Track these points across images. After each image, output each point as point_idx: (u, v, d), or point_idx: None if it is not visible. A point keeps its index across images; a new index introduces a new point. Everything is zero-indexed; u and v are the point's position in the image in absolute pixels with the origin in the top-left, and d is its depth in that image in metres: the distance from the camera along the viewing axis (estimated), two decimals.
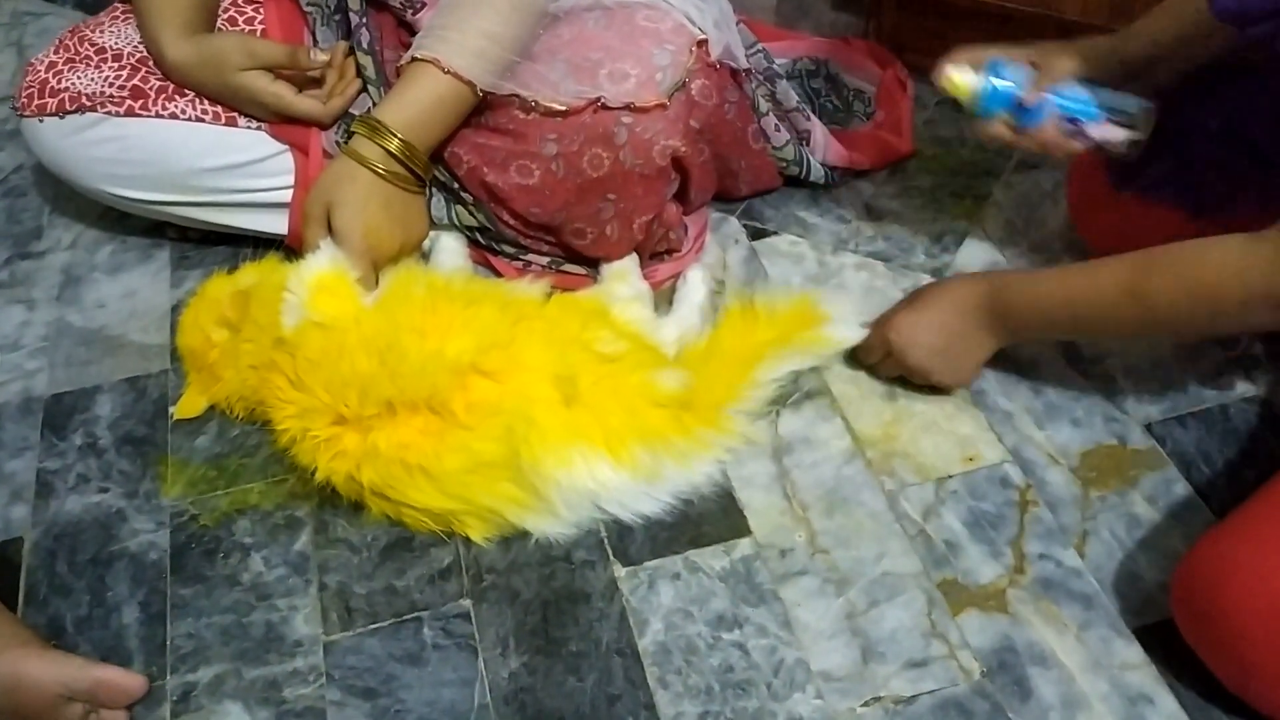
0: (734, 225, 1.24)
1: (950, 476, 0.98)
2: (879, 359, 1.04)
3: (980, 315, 0.96)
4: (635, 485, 0.93)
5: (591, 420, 0.92)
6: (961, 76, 0.99)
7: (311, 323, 0.94)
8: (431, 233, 1.13)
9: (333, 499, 0.96)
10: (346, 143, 1.02)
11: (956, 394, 1.04)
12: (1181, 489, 0.95)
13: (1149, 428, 1.00)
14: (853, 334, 1.05)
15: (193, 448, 1.04)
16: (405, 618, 0.91)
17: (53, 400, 1.09)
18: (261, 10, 1.17)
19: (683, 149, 1.04)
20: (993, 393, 1.04)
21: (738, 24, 1.15)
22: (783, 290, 1.12)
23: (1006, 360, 1.06)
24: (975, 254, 1.18)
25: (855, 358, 1.06)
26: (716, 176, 1.17)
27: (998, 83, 0.97)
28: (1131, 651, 0.85)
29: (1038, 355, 1.06)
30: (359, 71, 1.12)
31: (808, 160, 1.23)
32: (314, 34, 1.16)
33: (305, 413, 0.93)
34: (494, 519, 0.93)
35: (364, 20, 1.12)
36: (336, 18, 1.15)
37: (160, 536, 0.97)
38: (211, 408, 1.06)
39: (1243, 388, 1.02)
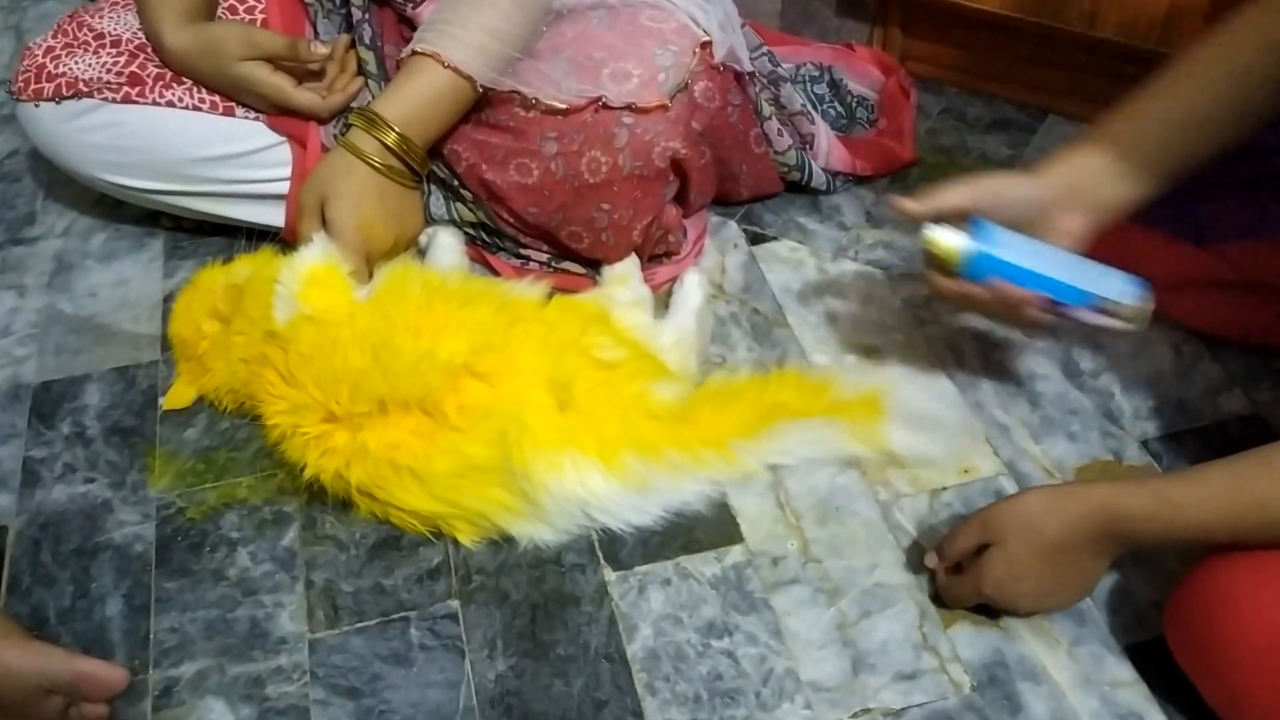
0: (733, 229, 1.23)
1: (945, 488, 0.97)
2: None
3: (1092, 543, 0.80)
4: (626, 495, 0.91)
5: (585, 427, 0.90)
6: (945, 240, 0.90)
7: (304, 317, 0.93)
8: (429, 228, 1.12)
9: (321, 495, 0.95)
10: (343, 135, 1.01)
11: (955, 406, 1.03)
12: None
13: (1145, 444, 0.99)
14: (911, 445, 0.97)
15: (181, 440, 1.03)
16: (392, 617, 0.90)
17: (41, 388, 1.08)
18: (263, 0, 1.16)
19: (683, 151, 1.04)
20: (990, 405, 1.03)
21: (743, 27, 1.15)
22: (855, 375, 1.03)
23: (1004, 373, 1.06)
24: None
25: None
26: (717, 179, 1.16)
27: (987, 249, 0.88)
28: (1122, 669, 0.85)
29: (1035, 368, 1.06)
30: (360, 66, 1.11)
31: (810, 165, 1.22)
32: (315, 26, 1.15)
33: (296, 408, 0.92)
34: (482, 523, 0.92)
35: (366, 15, 1.11)
36: (340, 11, 1.15)
37: (146, 529, 0.96)
38: (201, 400, 1.05)
39: (1239, 405, 1.02)
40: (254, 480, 1.00)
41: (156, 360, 1.10)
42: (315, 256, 0.96)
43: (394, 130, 0.99)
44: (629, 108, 1.00)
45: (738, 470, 0.96)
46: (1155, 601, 0.88)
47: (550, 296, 1.01)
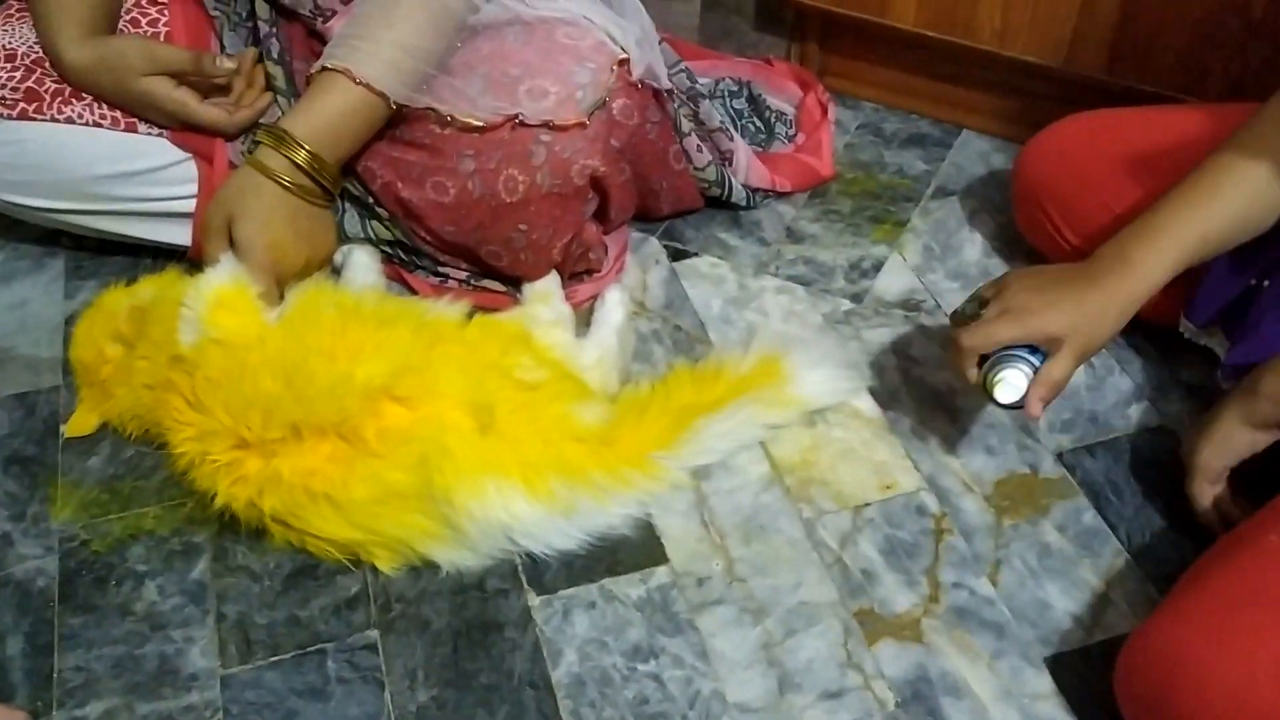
0: (654, 246, 1.23)
1: (868, 504, 0.97)
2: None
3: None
4: (550, 519, 0.90)
5: (507, 450, 0.89)
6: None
7: (211, 340, 0.90)
8: (344, 247, 1.10)
9: (233, 525, 0.92)
10: (250, 152, 0.98)
11: (874, 421, 1.04)
12: (1090, 518, 0.96)
13: (1060, 456, 1.01)
14: (820, 393, 1.01)
15: (84, 469, 0.99)
16: (308, 649, 0.87)
17: None
18: (166, 13, 1.12)
19: (602, 169, 1.03)
20: (910, 420, 1.04)
21: (660, 43, 1.14)
22: (744, 348, 1.04)
23: (923, 388, 1.07)
24: (894, 280, 1.18)
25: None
26: (637, 196, 1.16)
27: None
28: (1041, 681, 0.86)
29: (953, 383, 1.07)
30: (268, 82, 1.08)
31: (730, 181, 1.22)
32: (221, 40, 1.12)
33: (204, 435, 0.89)
34: (402, 550, 0.90)
35: (274, 29, 1.09)
36: (247, 24, 1.12)
37: (48, 562, 0.92)
38: (105, 427, 1.01)
39: (1149, 418, 1.04)
40: (161, 510, 0.96)
41: (58, 385, 1.06)
42: (223, 278, 0.93)
43: (304, 148, 0.96)
44: (546, 125, 0.99)
45: (664, 483, 0.95)
46: (1072, 613, 0.89)
47: (470, 316, 1.00)
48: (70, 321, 1.12)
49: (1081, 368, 1.05)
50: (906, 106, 1.41)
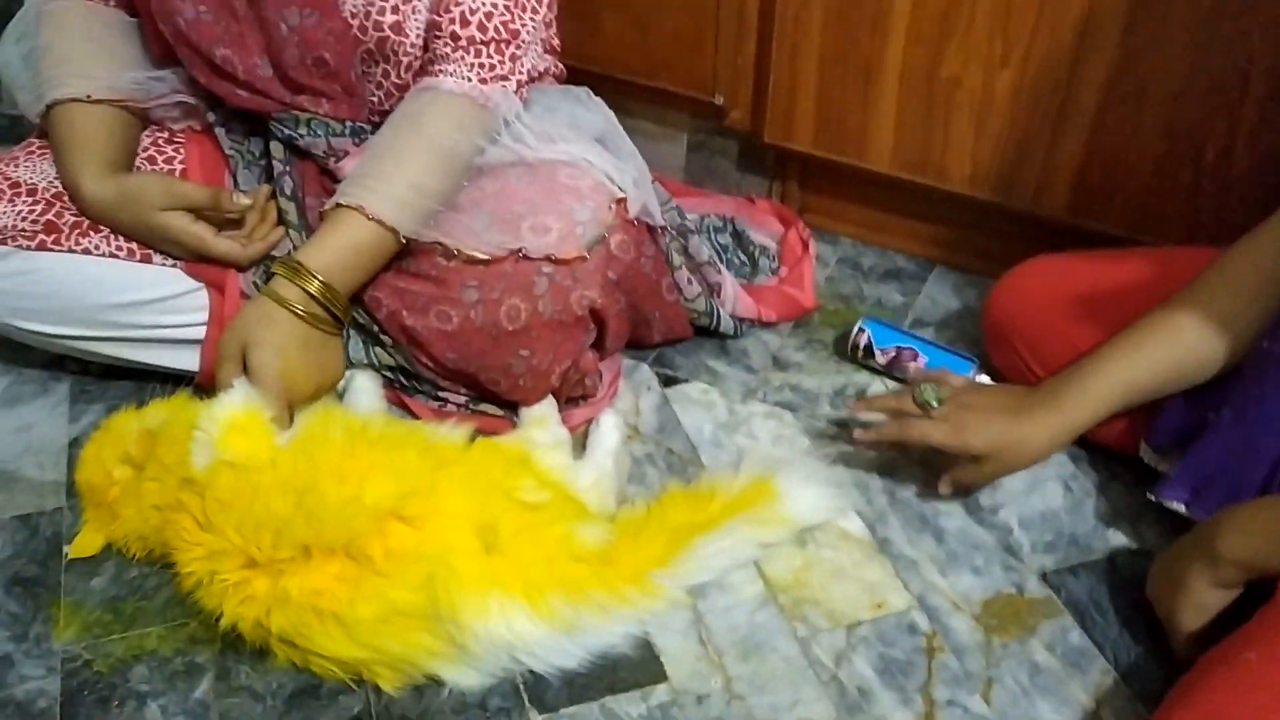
0: (646, 372, 1.27)
1: (860, 623, 1.00)
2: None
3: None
4: (552, 638, 0.92)
5: (511, 570, 0.91)
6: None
7: (223, 462, 0.93)
8: (347, 372, 1.13)
9: (236, 644, 0.93)
10: (266, 283, 1.03)
11: (863, 542, 1.07)
12: (1077, 637, 0.99)
13: (1044, 577, 1.04)
14: (810, 511, 1.05)
15: (88, 589, 1.00)
16: None
17: None
18: (182, 150, 1.18)
19: (600, 300, 1.08)
20: (898, 540, 1.07)
21: (652, 181, 1.21)
22: (737, 470, 1.09)
23: (909, 509, 1.10)
24: None
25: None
26: (631, 325, 1.21)
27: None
28: None
29: (939, 504, 1.11)
30: (280, 216, 1.13)
31: (718, 312, 1.27)
32: (235, 176, 1.18)
33: (214, 555, 0.90)
34: (406, 668, 0.91)
35: (288, 167, 1.14)
36: (260, 163, 1.17)
37: (50, 683, 0.92)
38: (108, 548, 1.02)
39: (1127, 540, 1.08)
40: (164, 630, 0.97)
41: (61, 507, 1.08)
42: (236, 402, 0.96)
43: (317, 279, 1.00)
44: (548, 258, 1.04)
45: (662, 602, 0.97)
46: None
47: (473, 439, 1.03)
48: (75, 445, 1.14)
49: (1061, 491, 1.11)
50: (882, 242, 1.48)
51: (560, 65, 1.23)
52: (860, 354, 1.27)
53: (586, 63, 1.39)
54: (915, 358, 1.23)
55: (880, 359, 1.25)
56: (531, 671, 0.93)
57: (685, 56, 1.40)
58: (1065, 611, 1.01)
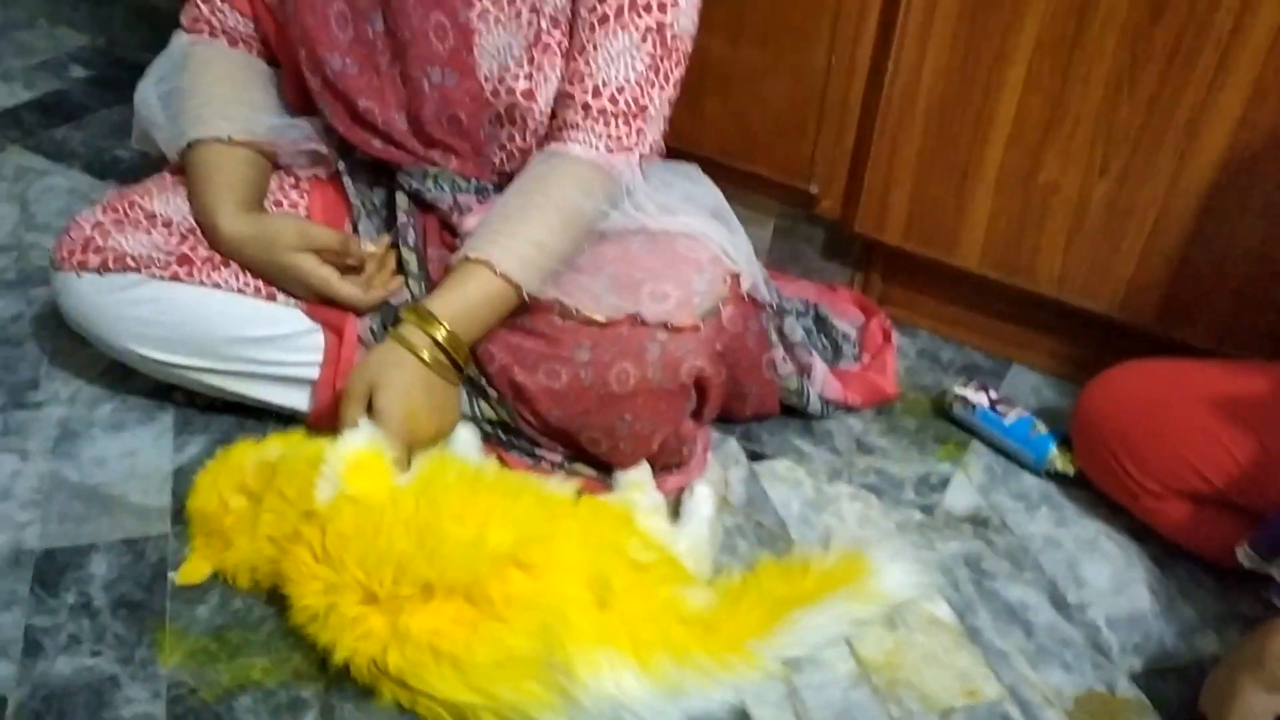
0: (733, 446, 1.29)
1: (954, 710, 1.00)
2: None
3: None
4: (656, 698, 0.92)
5: (622, 626, 0.92)
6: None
7: (346, 497, 0.95)
8: None
9: (341, 681, 0.94)
10: (394, 327, 1.05)
11: (953, 628, 1.08)
12: None
13: (1134, 678, 1.05)
14: (902, 586, 1.06)
15: (193, 616, 1.01)
16: None
17: (44, 555, 1.06)
18: (305, 196, 1.23)
19: (708, 370, 1.11)
20: (987, 630, 1.08)
21: None
22: (827, 546, 1.13)
23: (996, 599, 1.11)
24: (961, 496, 1.24)
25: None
26: (726, 398, 1.23)
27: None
28: None
29: (1025, 598, 1.12)
30: (401, 266, 1.17)
31: (808, 392, 1.30)
32: (355, 225, 1.22)
33: (332, 588, 0.92)
34: (513, 716, 0.91)
35: (411, 219, 1.18)
36: (381, 213, 1.22)
37: (156, 708, 0.93)
38: (213, 577, 1.03)
39: (1214, 646, 1.09)
40: (269, 663, 0.98)
41: (166, 534, 1.09)
42: (361, 441, 0.98)
43: (445, 327, 1.03)
44: (663, 325, 1.07)
45: (759, 672, 0.97)
46: None
47: (579, 495, 1.05)
48: (179, 473, 1.16)
49: (1148, 594, 1.12)
50: (960, 338, 1.51)
51: (662, 145, 1.28)
52: (956, 401, 1.33)
53: (683, 142, 1.43)
54: (1012, 407, 1.30)
55: (978, 398, 1.32)
56: None
57: (783, 144, 1.45)
58: (1156, 714, 1.01)
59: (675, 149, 1.32)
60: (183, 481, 1.12)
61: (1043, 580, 1.14)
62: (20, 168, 1.71)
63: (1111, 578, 1.15)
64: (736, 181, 1.52)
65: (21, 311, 1.39)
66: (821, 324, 1.46)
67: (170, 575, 1.04)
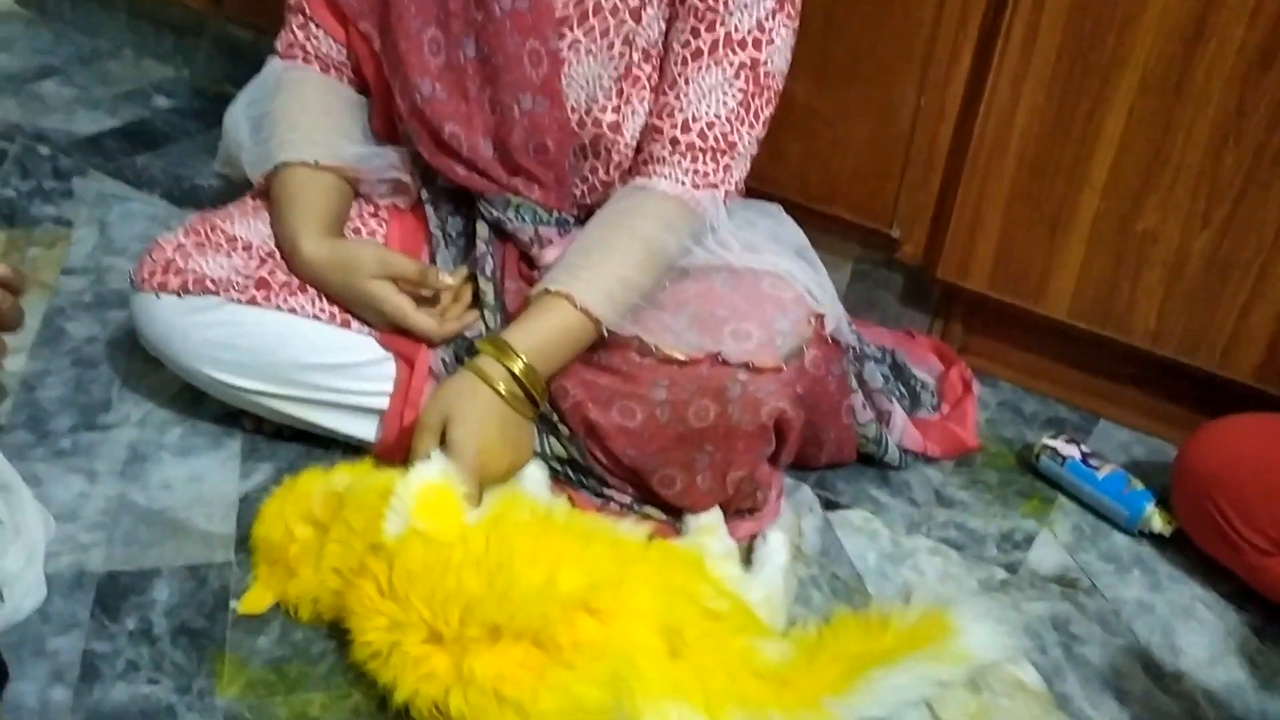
0: (808, 494, 1.25)
1: None
2: None
3: None
4: None
5: (693, 678, 0.88)
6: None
7: (415, 532, 0.92)
8: None
9: None
10: (469, 359, 1.03)
11: (1040, 695, 1.02)
12: None
13: None
14: (987, 647, 1.00)
15: (253, 647, 0.99)
16: None
17: (107, 579, 1.04)
18: (384, 224, 1.22)
19: (789, 412, 1.07)
20: (1077, 698, 1.02)
21: None
22: (907, 601, 1.09)
23: (1087, 666, 1.06)
24: (1047, 554, 1.19)
25: None
26: (803, 442, 1.19)
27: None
28: None
29: (1119, 665, 1.06)
30: (478, 297, 1.15)
31: (887, 440, 1.26)
32: (433, 256, 1.20)
33: (396, 625, 0.89)
34: None
35: (489, 249, 1.17)
36: (459, 242, 1.20)
37: None
38: (275, 608, 1.01)
39: None
40: (328, 699, 0.95)
41: (229, 561, 1.08)
42: (433, 474, 0.95)
43: (522, 359, 1.01)
44: (745, 365, 1.04)
45: None
46: None
47: (650, 539, 1.01)
48: (245, 501, 1.14)
49: (1247, 665, 1.05)
50: (1044, 390, 1.46)
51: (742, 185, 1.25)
52: (1045, 452, 1.28)
53: (761, 182, 1.40)
54: (1105, 462, 1.25)
55: (1069, 450, 1.27)
56: None
57: (866, 187, 1.41)
58: None
59: (753, 189, 1.29)
60: (248, 509, 1.11)
61: (1136, 647, 1.08)
62: (101, 193, 1.73)
63: (1209, 646, 1.08)
64: (814, 224, 1.48)
65: (97, 334, 1.39)
66: (899, 371, 1.42)
67: (232, 604, 1.02)
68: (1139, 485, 1.21)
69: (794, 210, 1.31)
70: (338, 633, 0.97)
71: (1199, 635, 1.10)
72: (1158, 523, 1.18)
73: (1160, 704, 1.03)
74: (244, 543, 1.07)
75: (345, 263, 1.09)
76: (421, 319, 1.11)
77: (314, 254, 1.10)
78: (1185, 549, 1.18)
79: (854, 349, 1.22)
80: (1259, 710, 1.03)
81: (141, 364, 1.30)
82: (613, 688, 0.86)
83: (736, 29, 1.08)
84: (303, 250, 1.10)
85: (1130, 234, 1.25)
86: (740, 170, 1.13)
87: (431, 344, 1.13)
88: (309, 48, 1.22)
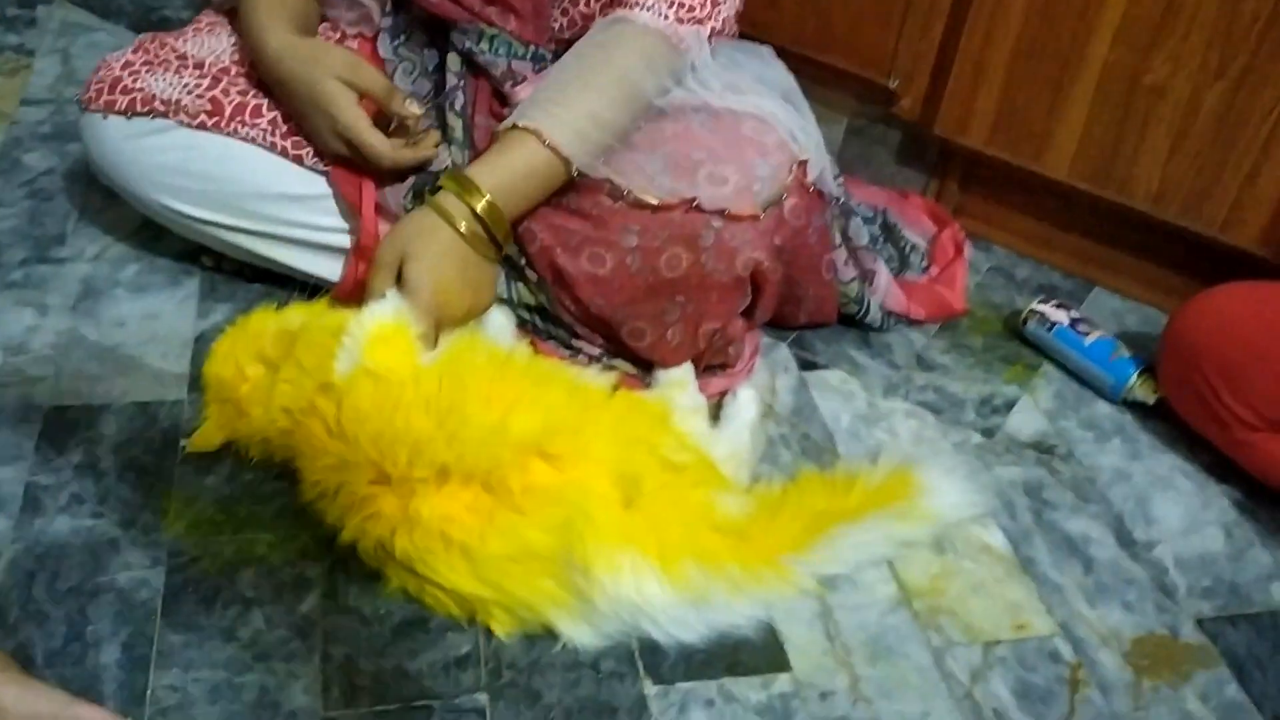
0: (784, 353, 1.21)
1: (999, 642, 0.93)
2: None
3: None
4: (679, 608, 0.86)
5: (648, 529, 0.86)
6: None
7: (365, 371, 0.88)
8: None
9: (348, 564, 0.89)
10: (431, 195, 0.98)
11: (1005, 558, 1.00)
12: (1234, 691, 0.91)
13: (1200, 623, 0.97)
14: (954, 506, 0.99)
15: (201, 485, 0.97)
16: (414, 704, 0.83)
17: (54, 412, 1.02)
18: (356, 47, 1.14)
19: (765, 264, 1.03)
20: (1043, 562, 1.00)
21: None
22: (873, 460, 1.06)
23: (1056, 531, 1.03)
24: (1026, 420, 1.16)
25: None
26: (782, 299, 1.15)
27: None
28: None
29: (1088, 531, 1.04)
30: (445, 132, 1.09)
31: (868, 300, 1.21)
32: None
33: (344, 465, 0.86)
34: (524, 614, 0.86)
35: (461, 82, 1.10)
36: (431, 76, 1.13)
37: (154, 575, 0.89)
38: (224, 448, 0.98)
39: None
40: (275, 539, 0.93)
41: (181, 400, 1.05)
42: (386, 313, 0.91)
43: (485, 197, 0.96)
44: (720, 213, 0.99)
45: (792, 588, 0.91)
46: None
47: (615, 389, 0.98)
48: (200, 340, 1.11)
49: (1223, 536, 1.04)
50: (1038, 255, 1.41)
51: (735, 27, 1.18)
52: (1032, 317, 1.24)
53: (755, 29, 1.32)
54: (1094, 329, 1.21)
55: (1057, 315, 1.23)
56: (648, 639, 0.88)
57: (864, 35, 1.34)
58: (1222, 662, 0.94)
59: (746, 35, 1.22)
60: (203, 348, 1.07)
61: (1108, 514, 1.06)
62: (65, 22, 1.65)
63: (1184, 516, 1.06)
64: (809, 74, 1.40)
65: (54, 165, 1.34)
66: (889, 232, 1.37)
67: (182, 443, 1.00)
68: (1126, 352, 1.17)
69: (788, 59, 1.24)
70: (289, 474, 0.94)
71: (1175, 505, 1.08)
72: (1141, 390, 1.15)
73: (1127, 571, 1.01)
74: (197, 382, 1.03)
75: (313, 55, 1.01)
76: (375, 136, 1.02)
77: (282, 43, 1.02)
78: (1170, 419, 1.15)
79: (838, 200, 1.16)
80: (1229, 581, 1.01)
81: (100, 199, 1.25)
82: (563, 534, 0.84)
83: None
84: (270, 44, 1.02)
85: (1138, 87, 1.18)
86: (728, 7, 1.05)
87: (380, 172, 1.06)
88: None
